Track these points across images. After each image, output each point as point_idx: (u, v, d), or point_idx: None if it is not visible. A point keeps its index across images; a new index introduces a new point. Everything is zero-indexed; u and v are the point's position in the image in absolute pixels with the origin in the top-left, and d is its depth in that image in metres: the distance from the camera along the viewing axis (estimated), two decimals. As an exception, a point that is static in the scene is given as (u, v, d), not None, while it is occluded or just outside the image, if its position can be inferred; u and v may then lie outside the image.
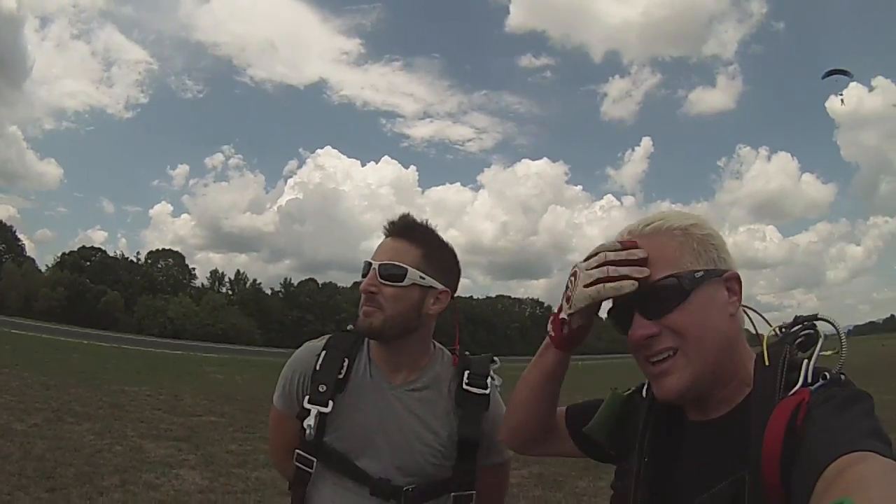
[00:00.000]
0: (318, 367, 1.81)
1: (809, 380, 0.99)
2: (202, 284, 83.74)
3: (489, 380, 1.83)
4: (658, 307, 1.11)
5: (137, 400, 12.98)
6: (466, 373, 1.83)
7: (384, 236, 1.83)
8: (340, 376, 1.79)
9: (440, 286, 1.81)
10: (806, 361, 1.02)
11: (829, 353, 1.06)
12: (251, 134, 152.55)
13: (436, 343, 1.91)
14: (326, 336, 1.92)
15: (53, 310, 57.78)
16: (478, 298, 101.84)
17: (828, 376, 1.00)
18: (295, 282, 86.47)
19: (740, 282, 1.15)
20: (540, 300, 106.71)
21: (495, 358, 1.91)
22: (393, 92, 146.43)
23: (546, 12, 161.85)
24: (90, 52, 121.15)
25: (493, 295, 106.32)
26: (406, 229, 1.82)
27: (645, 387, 1.28)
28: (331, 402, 1.75)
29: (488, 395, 1.82)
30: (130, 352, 27.73)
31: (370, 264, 1.76)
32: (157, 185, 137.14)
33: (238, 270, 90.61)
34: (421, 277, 1.76)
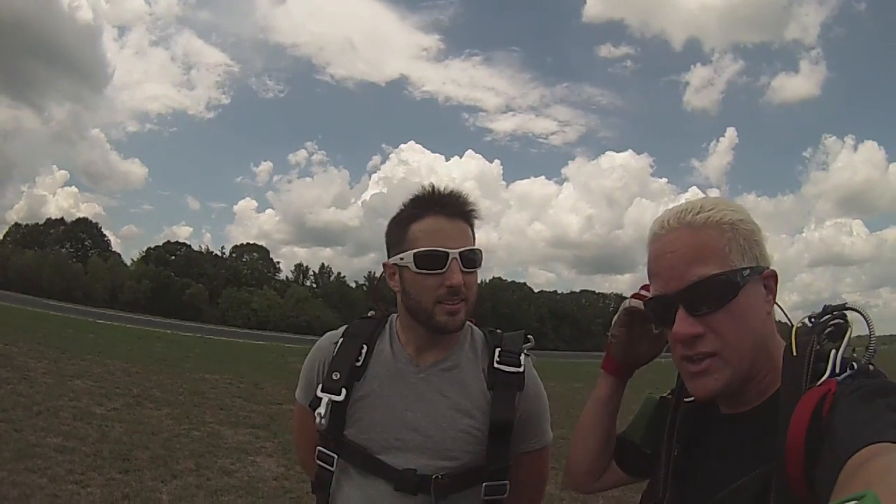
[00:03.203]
0: (335, 355, 1.76)
1: (837, 370, 1.00)
2: (287, 278, 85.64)
3: (522, 357, 1.74)
4: (705, 305, 1.12)
5: (218, 387, 13.36)
6: (497, 350, 1.74)
7: (428, 213, 1.70)
8: (358, 364, 1.73)
9: None
10: (833, 352, 1.02)
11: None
12: (334, 131, 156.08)
13: None
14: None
15: (138, 302, 60.39)
16: (562, 293, 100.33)
17: (856, 366, 1.01)
18: (379, 275, 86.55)
19: (777, 279, 1.17)
20: (625, 296, 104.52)
21: (529, 336, 1.82)
22: (474, 86, 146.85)
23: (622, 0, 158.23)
24: (169, 57, 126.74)
25: (578, 290, 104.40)
26: (465, 208, 1.73)
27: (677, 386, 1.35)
28: (344, 391, 1.69)
29: (522, 373, 1.73)
30: (213, 342, 28.53)
31: (447, 254, 1.64)
32: (241, 182, 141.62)
33: (322, 264, 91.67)
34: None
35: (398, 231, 1.73)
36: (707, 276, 1.12)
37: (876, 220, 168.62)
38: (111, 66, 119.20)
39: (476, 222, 1.76)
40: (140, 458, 6.91)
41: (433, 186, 1.73)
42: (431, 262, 1.64)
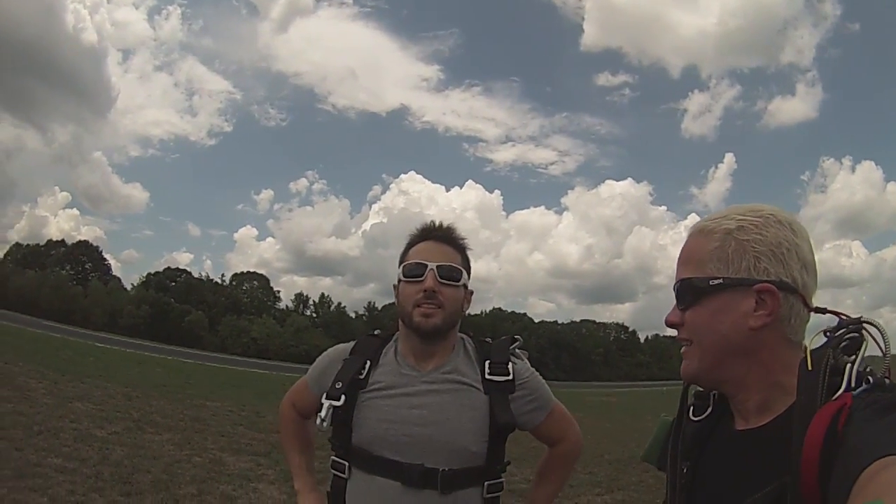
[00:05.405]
0: (340, 368, 1.99)
1: (853, 384, 1.00)
2: (286, 307, 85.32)
3: (510, 366, 1.98)
4: (679, 303, 1.26)
5: (219, 414, 13.33)
6: (487, 363, 1.98)
7: (421, 240, 2.05)
8: (360, 376, 1.96)
9: (470, 287, 2.07)
10: (849, 366, 1.02)
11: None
12: (335, 160, 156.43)
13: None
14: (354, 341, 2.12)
15: (137, 327, 60.19)
16: (562, 323, 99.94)
17: (871, 380, 1.01)
18: (379, 305, 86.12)
19: (776, 295, 1.15)
20: (625, 325, 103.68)
21: (517, 337, 2.11)
22: (474, 117, 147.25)
23: (620, 28, 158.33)
24: (173, 82, 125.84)
25: (578, 319, 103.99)
26: (452, 235, 2.07)
27: (689, 408, 1.37)
28: (343, 397, 1.90)
29: (512, 380, 1.96)
30: (213, 369, 28.52)
31: (425, 266, 1.95)
32: (241, 210, 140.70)
33: (322, 293, 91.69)
34: (467, 278, 2.03)
35: (402, 254, 2.07)
36: (680, 279, 1.25)
37: (875, 240, 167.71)
38: (115, 90, 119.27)
39: (473, 254, 2.10)
40: (141, 481, 6.87)
41: (433, 221, 2.09)
42: (413, 271, 1.97)
